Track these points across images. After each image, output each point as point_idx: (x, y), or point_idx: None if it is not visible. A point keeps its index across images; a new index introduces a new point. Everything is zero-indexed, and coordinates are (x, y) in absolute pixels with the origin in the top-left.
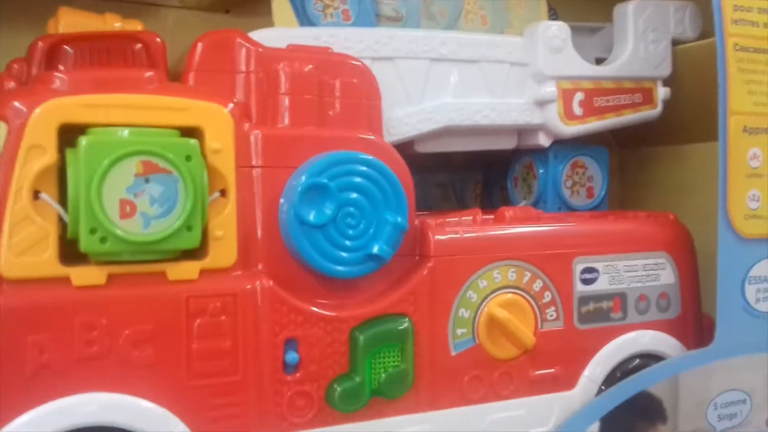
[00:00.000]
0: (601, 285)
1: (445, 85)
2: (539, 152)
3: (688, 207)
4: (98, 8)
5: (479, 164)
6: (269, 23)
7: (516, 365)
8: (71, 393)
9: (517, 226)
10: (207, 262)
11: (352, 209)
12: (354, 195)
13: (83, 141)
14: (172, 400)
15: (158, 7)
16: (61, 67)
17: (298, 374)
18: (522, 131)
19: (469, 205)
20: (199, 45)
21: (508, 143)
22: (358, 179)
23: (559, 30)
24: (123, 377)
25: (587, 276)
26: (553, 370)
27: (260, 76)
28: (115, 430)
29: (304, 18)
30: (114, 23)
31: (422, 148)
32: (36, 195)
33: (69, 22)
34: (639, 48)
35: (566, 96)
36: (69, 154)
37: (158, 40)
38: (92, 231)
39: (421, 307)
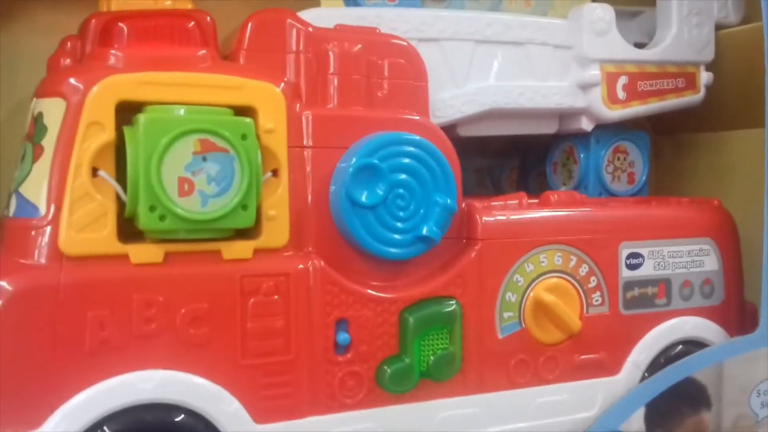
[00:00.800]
0: (646, 270)
1: (490, 68)
2: (580, 137)
3: (728, 193)
4: None
5: (515, 150)
6: (312, 4)
7: (561, 350)
8: (130, 369)
9: (563, 210)
10: (260, 242)
11: (402, 191)
12: (404, 176)
13: (142, 118)
14: (227, 378)
15: None
16: (115, 45)
17: (348, 354)
18: (564, 115)
19: (506, 190)
20: (250, 24)
21: (549, 127)
22: (408, 160)
23: (603, 12)
24: (179, 354)
25: (632, 261)
26: (597, 355)
27: (309, 56)
28: (172, 407)
29: None
30: (165, 1)
31: (465, 132)
32: (95, 172)
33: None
34: (683, 32)
35: (610, 79)
36: (127, 131)
37: (209, 18)
38: (152, 208)
39: (469, 290)
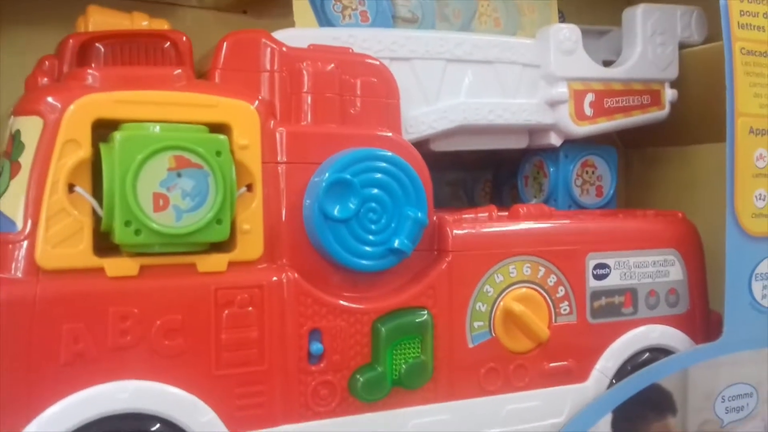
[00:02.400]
0: (613, 280)
1: (460, 86)
2: (549, 152)
3: (693, 206)
4: (120, 7)
5: (489, 164)
6: (285, 24)
7: (530, 358)
8: (105, 381)
9: (532, 223)
10: (235, 255)
11: (374, 204)
12: (376, 191)
13: (118, 136)
14: (202, 388)
15: (176, 6)
16: (92, 64)
17: (322, 364)
18: (533, 131)
19: (479, 203)
20: (225, 44)
21: (519, 142)
22: (379, 175)
23: (570, 32)
24: (155, 365)
25: (599, 272)
26: (566, 363)
27: (284, 75)
28: (147, 416)
29: (324, 18)
30: (141, 22)
31: (437, 147)
32: (71, 188)
33: (98, 20)
34: (647, 51)
35: (577, 97)
36: (103, 148)
37: (184, 38)
38: (127, 223)
39: (440, 300)
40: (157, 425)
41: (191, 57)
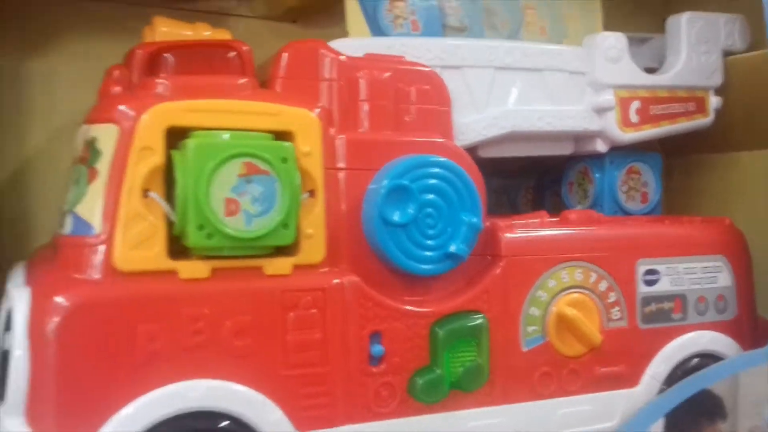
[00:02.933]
0: (663, 286)
1: (509, 93)
2: (594, 158)
3: (737, 212)
4: (175, 18)
5: (530, 171)
6: (334, 33)
7: (583, 363)
8: (178, 380)
9: (583, 228)
10: (299, 259)
11: (431, 210)
12: (432, 196)
13: (192, 143)
14: (270, 388)
15: (228, 17)
16: (161, 74)
17: (382, 366)
18: (579, 137)
19: (522, 210)
20: (286, 54)
21: (565, 149)
22: (436, 181)
23: (616, 40)
24: (225, 365)
25: (649, 277)
26: (617, 368)
27: (341, 84)
28: (218, 414)
29: (376, 28)
30: (204, 32)
31: (485, 153)
32: (145, 193)
33: (164, 30)
34: (692, 58)
35: (623, 104)
36: (176, 156)
37: (246, 48)
38: (200, 227)
39: (494, 304)
40: (227, 423)
41: (252, 66)
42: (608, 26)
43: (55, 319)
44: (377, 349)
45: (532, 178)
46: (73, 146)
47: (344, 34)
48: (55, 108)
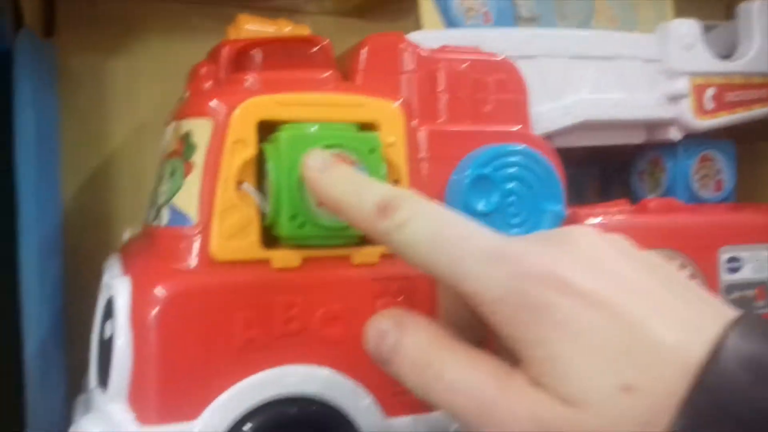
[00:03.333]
0: (746, 274)
1: (583, 82)
2: (666, 147)
3: None
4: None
5: (596, 160)
6: (401, 28)
7: None
8: (274, 365)
9: (664, 216)
10: (385, 248)
11: (513, 199)
12: (515, 185)
13: (284, 136)
14: (361, 374)
15: (296, 13)
16: (250, 69)
17: None
18: (652, 126)
19: (588, 199)
20: (366, 47)
21: (638, 137)
22: (517, 170)
23: (690, 27)
24: (318, 352)
25: (732, 265)
26: None
27: (421, 75)
28: (311, 400)
29: (449, 20)
30: (285, 28)
31: (558, 143)
32: (238, 185)
33: (248, 27)
34: (765, 44)
35: (698, 91)
36: (268, 148)
37: (327, 42)
38: (293, 217)
39: None
40: (320, 409)
41: (333, 60)
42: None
43: (156, 308)
44: None
45: (596, 167)
46: (161, 142)
47: (410, 28)
48: (137, 105)
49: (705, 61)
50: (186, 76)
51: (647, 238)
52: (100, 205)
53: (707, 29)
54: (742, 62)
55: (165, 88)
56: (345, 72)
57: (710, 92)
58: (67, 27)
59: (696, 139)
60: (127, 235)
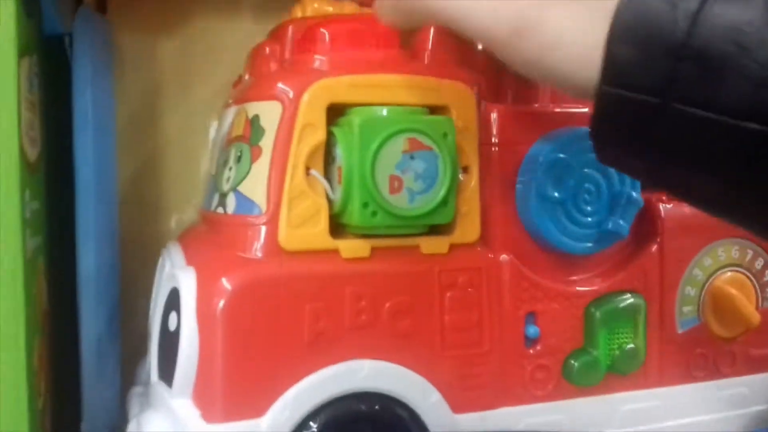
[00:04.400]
0: None
1: None
2: None
3: None
4: None
5: None
6: None
7: (738, 344)
8: (343, 359)
9: None
10: (455, 237)
11: (589, 185)
12: (591, 171)
13: (357, 120)
14: (429, 369)
15: None
16: (318, 49)
17: (538, 347)
18: None
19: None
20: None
21: None
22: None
23: None
24: (387, 346)
25: None
26: None
27: (490, 55)
28: (380, 396)
29: None
30: (349, 6)
31: None
32: (307, 171)
33: (314, 6)
34: None
35: None
36: (339, 132)
37: None
38: (365, 205)
39: (650, 284)
40: (389, 404)
41: (399, 40)
42: None
43: (224, 300)
44: (533, 330)
45: None
46: (220, 125)
47: None
48: (190, 87)
49: None
50: (244, 57)
51: (720, 227)
52: (151, 191)
53: None
54: None
55: (219, 70)
56: (411, 51)
57: None
58: (118, 6)
59: None
60: (176, 220)
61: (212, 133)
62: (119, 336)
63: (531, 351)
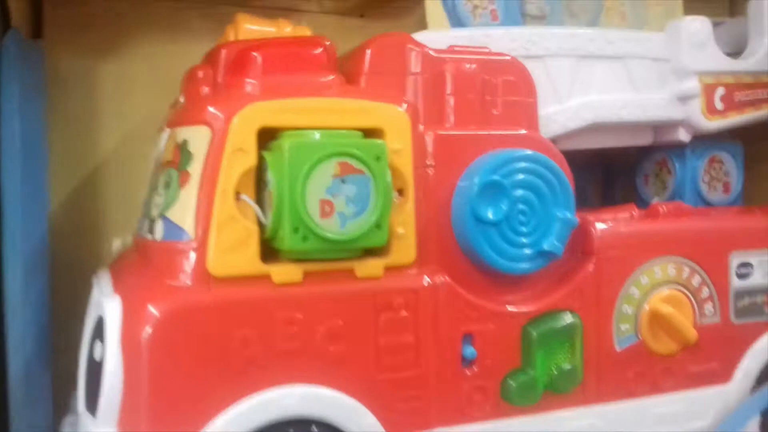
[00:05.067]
0: (756, 280)
1: (591, 82)
2: (674, 148)
3: None
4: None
5: (599, 163)
6: (402, 27)
7: (676, 360)
8: (273, 385)
9: (674, 222)
10: (390, 260)
11: (523, 206)
12: (525, 192)
13: (287, 144)
14: (363, 393)
15: (294, 12)
16: (250, 73)
17: (475, 368)
18: (660, 127)
19: (591, 203)
20: (370, 48)
21: (645, 139)
22: (528, 177)
23: (701, 25)
24: (319, 370)
25: (742, 271)
26: (710, 365)
27: (427, 77)
28: (312, 420)
29: (455, 19)
30: (285, 28)
31: (564, 146)
32: (237, 196)
33: (247, 28)
34: None
35: (708, 91)
36: (269, 157)
37: (330, 44)
38: (295, 230)
39: (587, 303)
40: (322, 430)
41: (336, 62)
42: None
43: (149, 328)
44: (469, 351)
45: (599, 170)
46: (155, 149)
47: (413, 27)
48: (128, 111)
49: (716, 60)
50: (180, 80)
51: (657, 245)
52: (88, 215)
53: (714, 26)
54: (752, 61)
55: (157, 93)
56: (348, 74)
57: (720, 92)
58: (55, 29)
59: (705, 141)
60: (117, 245)
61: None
62: (50, 364)
63: (468, 372)
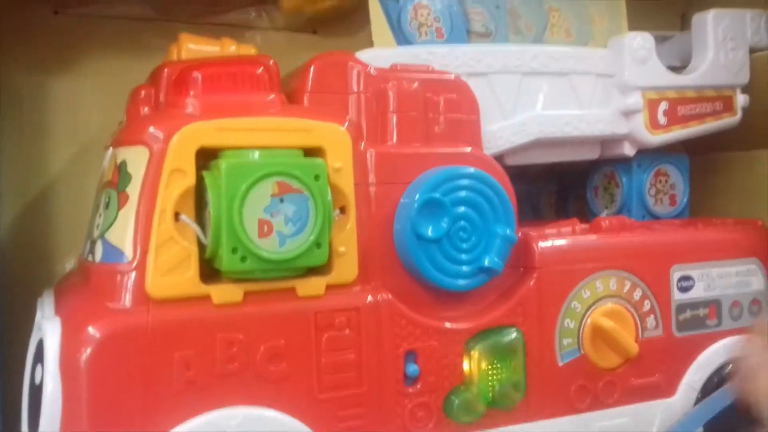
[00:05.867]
0: (697, 293)
1: (536, 98)
2: (621, 162)
3: (760, 212)
4: (188, 32)
5: (552, 176)
6: (354, 43)
7: (619, 374)
8: (215, 407)
9: (616, 236)
10: (332, 278)
11: (463, 223)
12: (465, 209)
13: (224, 164)
14: (305, 413)
15: (246, 28)
16: (191, 93)
17: (418, 386)
18: (606, 141)
19: (545, 215)
20: (313, 67)
21: (592, 153)
22: (468, 194)
23: (644, 41)
24: (261, 391)
25: (684, 284)
26: (653, 378)
27: (369, 96)
28: None
29: (401, 37)
30: (230, 47)
31: (511, 161)
32: (176, 217)
33: (190, 47)
34: (719, 56)
35: (651, 106)
36: (208, 177)
37: (272, 63)
38: (234, 250)
39: (529, 318)
40: None
41: (279, 81)
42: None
43: (88, 350)
44: (412, 368)
45: (553, 183)
46: (100, 169)
47: (363, 43)
48: (79, 127)
49: (659, 75)
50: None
51: (598, 259)
52: (38, 234)
53: (661, 40)
54: (695, 75)
55: (109, 109)
56: (291, 93)
57: (663, 106)
58: (7, 44)
59: (650, 154)
60: (69, 268)
61: None
62: None
63: (411, 389)
